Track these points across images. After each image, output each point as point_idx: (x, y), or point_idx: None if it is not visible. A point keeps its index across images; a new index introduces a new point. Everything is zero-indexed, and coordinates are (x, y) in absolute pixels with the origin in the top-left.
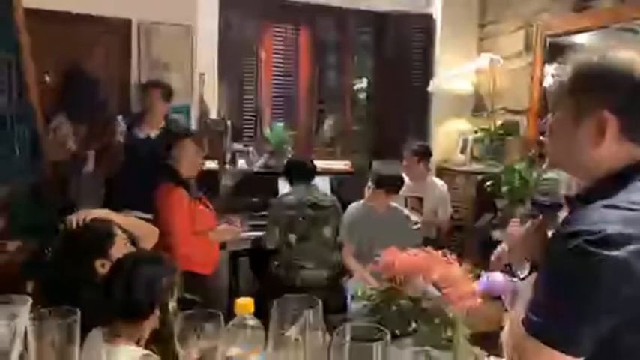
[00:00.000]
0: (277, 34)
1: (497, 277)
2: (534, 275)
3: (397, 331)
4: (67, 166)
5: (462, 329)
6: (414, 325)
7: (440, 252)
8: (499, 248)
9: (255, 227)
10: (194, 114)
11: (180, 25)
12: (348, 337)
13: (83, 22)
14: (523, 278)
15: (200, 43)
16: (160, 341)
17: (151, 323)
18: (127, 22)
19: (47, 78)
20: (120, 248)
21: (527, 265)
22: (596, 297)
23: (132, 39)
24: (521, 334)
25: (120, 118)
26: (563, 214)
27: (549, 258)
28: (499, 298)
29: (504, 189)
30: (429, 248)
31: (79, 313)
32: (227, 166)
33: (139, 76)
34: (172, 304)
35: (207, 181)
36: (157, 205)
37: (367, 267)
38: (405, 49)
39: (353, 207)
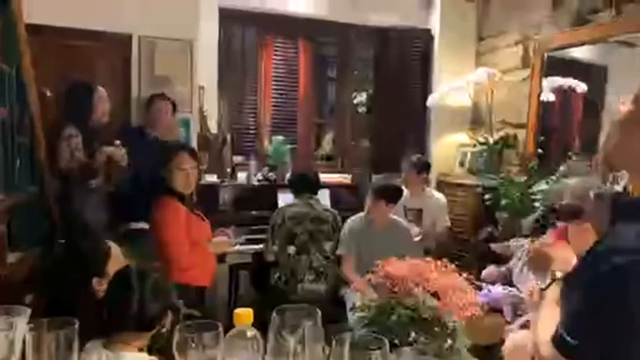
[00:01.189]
0: (277, 48)
1: (498, 289)
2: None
3: (397, 341)
4: (74, 177)
5: (462, 339)
6: (413, 334)
7: (440, 262)
8: (492, 267)
9: (254, 241)
10: (194, 127)
11: (181, 40)
12: (347, 346)
13: (84, 37)
14: (545, 288)
15: (200, 58)
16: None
17: (155, 333)
18: (128, 38)
19: (48, 93)
20: (114, 266)
21: (548, 276)
22: None
23: (132, 53)
24: (552, 354)
25: (118, 142)
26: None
27: (592, 274)
28: (500, 311)
29: (504, 202)
30: (429, 258)
31: (77, 323)
32: (227, 180)
33: (139, 91)
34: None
35: (207, 195)
36: (152, 217)
37: (366, 277)
38: (404, 64)
39: (353, 220)
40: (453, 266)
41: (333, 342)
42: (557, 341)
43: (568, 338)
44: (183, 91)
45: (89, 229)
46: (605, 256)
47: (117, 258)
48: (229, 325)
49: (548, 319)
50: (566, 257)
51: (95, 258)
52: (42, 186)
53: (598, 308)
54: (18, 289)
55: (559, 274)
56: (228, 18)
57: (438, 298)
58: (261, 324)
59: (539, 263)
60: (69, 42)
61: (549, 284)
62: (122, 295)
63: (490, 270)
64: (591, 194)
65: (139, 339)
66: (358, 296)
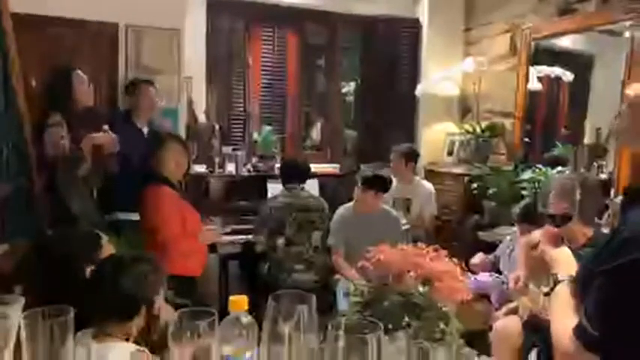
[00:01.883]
0: (265, 38)
1: (485, 276)
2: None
3: (390, 325)
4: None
5: (454, 323)
6: (406, 319)
7: (431, 248)
8: (480, 254)
9: (244, 231)
10: (182, 118)
11: (168, 29)
12: (341, 331)
13: (70, 26)
14: (547, 293)
15: (188, 47)
16: (149, 341)
17: (139, 322)
18: (114, 27)
19: (33, 82)
20: (106, 254)
21: (550, 278)
22: None
23: (119, 43)
24: (573, 347)
25: (107, 127)
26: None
27: (612, 265)
28: (487, 297)
29: (491, 190)
30: (420, 244)
31: (72, 311)
32: (216, 170)
33: (125, 80)
34: (159, 303)
35: (196, 185)
36: (145, 206)
37: (356, 264)
38: (392, 53)
39: (342, 209)
40: (445, 252)
41: (329, 326)
42: (579, 333)
43: (590, 330)
44: (171, 81)
45: (77, 218)
46: (624, 245)
47: (109, 248)
48: (221, 314)
49: (564, 316)
50: (566, 260)
51: (85, 248)
52: (30, 176)
53: (619, 299)
54: (7, 281)
55: (561, 277)
56: (215, 7)
57: (430, 284)
58: (250, 314)
59: (540, 269)
60: (55, 31)
61: (552, 287)
62: (102, 283)
63: (479, 257)
64: (577, 192)
65: (124, 329)
66: (349, 285)
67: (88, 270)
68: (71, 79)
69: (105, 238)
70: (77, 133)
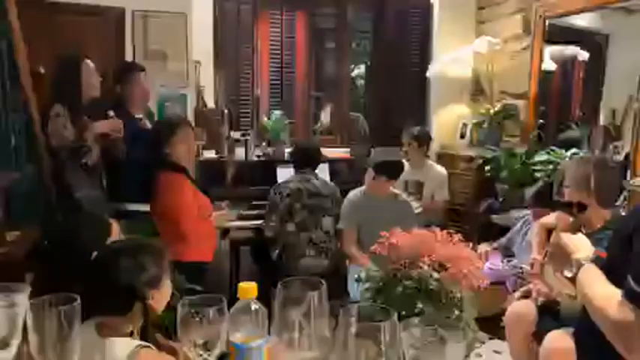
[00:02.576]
0: (273, 21)
1: (499, 264)
2: None
3: (403, 312)
4: (65, 155)
5: (469, 309)
6: (420, 306)
7: (445, 232)
8: (484, 245)
9: (254, 217)
10: (191, 103)
11: (175, 14)
12: (354, 318)
13: (77, 12)
14: (572, 278)
15: (195, 32)
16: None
17: (139, 316)
18: (121, 11)
19: (42, 70)
20: (114, 238)
21: (574, 263)
22: None
23: (126, 28)
24: (627, 311)
25: (112, 113)
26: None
27: None
28: (502, 282)
29: (504, 173)
30: (433, 228)
31: (79, 300)
32: (225, 156)
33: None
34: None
35: (205, 171)
36: (159, 193)
37: (369, 250)
38: (402, 34)
39: (353, 194)
40: (459, 236)
41: (340, 313)
42: (631, 295)
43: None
44: (179, 66)
45: (84, 207)
46: None
47: (116, 234)
48: (231, 301)
49: (603, 289)
50: (585, 244)
51: (94, 235)
52: (39, 164)
53: None
54: (18, 268)
55: (583, 261)
56: None
57: (445, 269)
58: (261, 299)
59: (561, 257)
60: (61, 18)
61: (576, 272)
62: (98, 272)
63: (484, 247)
64: (593, 178)
65: (125, 321)
66: (361, 270)
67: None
68: (79, 70)
69: (115, 226)
70: (83, 122)
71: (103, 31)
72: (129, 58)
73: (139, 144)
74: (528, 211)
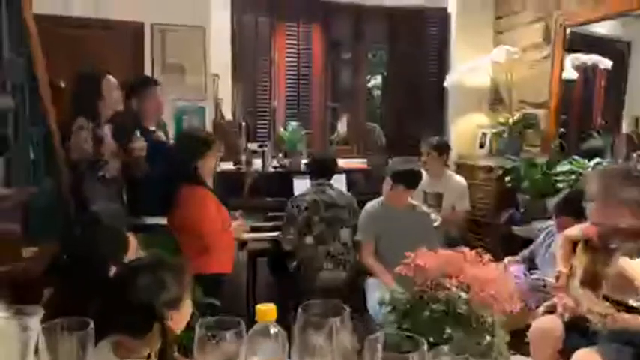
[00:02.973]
0: (290, 33)
1: (522, 278)
2: None
3: (431, 338)
4: (84, 168)
5: (500, 334)
6: (448, 331)
7: (474, 251)
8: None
9: (271, 228)
10: (209, 115)
11: (193, 27)
12: (380, 347)
13: (96, 26)
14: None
15: (213, 45)
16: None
17: (157, 337)
18: (140, 25)
19: (62, 84)
20: (132, 255)
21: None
22: None
23: (145, 42)
24: None
25: (138, 133)
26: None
27: None
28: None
29: (525, 183)
30: (462, 248)
31: (92, 324)
32: (242, 167)
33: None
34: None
35: (223, 183)
36: (182, 206)
37: (393, 271)
38: (419, 44)
39: (371, 205)
40: (488, 256)
41: (366, 343)
42: None
43: None
44: (197, 79)
45: (102, 220)
46: None
47: (135, 250)
48: (248, 314)
49: None
50: None
51: (111, 249)
52: (58, 178)
53: None
54: (36, 284)
55: None
56: (240, 4)
57: (474, 292)
58: (280, 313)
59: (622, 283)
60: (81, 32)
61: None
62: (116, 290)
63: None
64: (622, 191)
65: (143, 343)
66: (379, 285)
67: (113, 270)
68: (101, 85)
69: (133, 241)
70: (101, 136)
71: (121, 44)
72: (147, 71)
73: (157, 157)
74: (551, 223)
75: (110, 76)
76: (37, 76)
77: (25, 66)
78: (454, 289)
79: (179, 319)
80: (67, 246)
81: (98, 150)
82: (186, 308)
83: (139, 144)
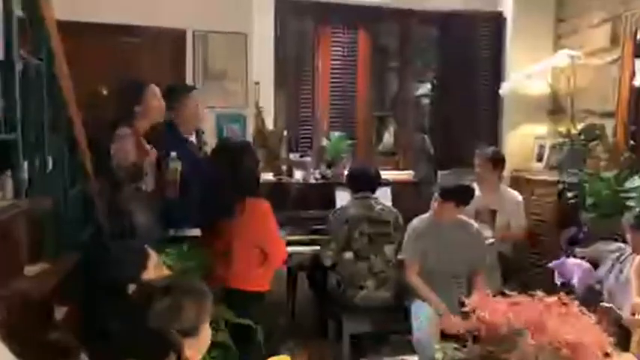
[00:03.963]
0: (335, 39)
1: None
2: None
3: None
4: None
5: None
6: None
7: (556, 298)
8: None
9: (311, 242)
10: (250, 124)
11: (236, 34)
12: None
13: (139, 34)
14: None
15: (256, 52)
16: None
17: None
18: (182, 32)
19: (104, 91)
20: (150, 273)
21: None
22: None
23: (186, 49)
24: None
25: (174, 154)
26: None
27: None
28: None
29: (590, 200)
30: (540, 294)
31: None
32: (283, 178)
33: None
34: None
35: (263, 194)
36: (246, 219)
37: (451, 320)
38: (472, 50)
39: (417, 221)
40: (576, 304)
41: None
42: None
43: None
44: (239, 86)
45: (136, 232)
46: None
47: (157, 267)
48: (286, 329)
49: None
50: None
51: (127, 265)
52: (84, 187)
53: None
54: (43, 304)
55: None
56: (284, 9)
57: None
58: (320, 329)
59: None
60: (123, 39)
61: None
62: (127, 317)
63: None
64: None
65: None
66: (425, 307)
67: (130, 288)
68: (141, 93)
69: (154, 257)
70: (143, 146)
71: (163, 52)
72: (189, 79)
73: (196, 168)
74: (621, 244)
75: (153, 85)
76: (59, 81)
77: (45, 70)
78: (530, 349)
79: (197, 346)
80: (83, 260)
81: (141, 161)
82: (205, 335)
83: (173, 165)
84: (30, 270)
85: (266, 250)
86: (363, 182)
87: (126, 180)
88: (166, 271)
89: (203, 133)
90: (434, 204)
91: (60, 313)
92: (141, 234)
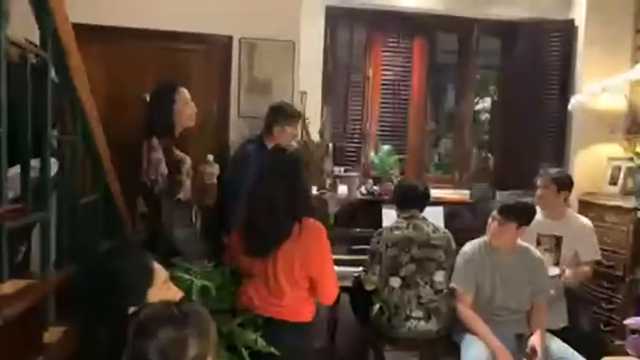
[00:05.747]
0: (388, 48)
1: None
2: None
3: None
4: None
5: None
6: None
7: None
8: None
9: (354, 262)
10: None
11: (283, 41)
12: None
13: (185, 40)
14: None
15: (303, 60)
16: None
17: None
18: (228, 40)
19: (147, 97)
20: (155, 294)
21: None
22: None
23: (232, 56)
24: None
25: (211, 157)
26: None
27: None
28: None
29: None
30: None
31: None
32: (327, 192)
33: (238, 95)
34: None
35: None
36: (303, 241)
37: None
38: (538, 62)
39: (470, 246)
40: None
41: None
42: None
43: None
44: (285, 96)
45: (175, 245)
46: None
47: (164, 283)
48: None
49: None
50: None
51: (129, 282)
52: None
53: None
54: (29, 327)
55: None
56: (335, 17)
57: None
58: (361, 357)
59: None
60: (170, 45)
61: None
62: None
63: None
64: None
65: None
66: (477, 344)
67: (132, 311)
68: (172, 96)
69: (161, 272)
70: (177, 156)
71: (209, 59)
72: (234, 86)
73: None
74: None
75: (183, 89)
76: (74, 83)
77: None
78: None
79: None
80: (77, 277)
81: (177, 170)
82: None
83: (211, 169)
84: (6, 287)
85: (318, 282)
86: (410, 199)
87: (162, 193)
88: (175, 289)
89: None
90: (491, 225)
91: (56, 333)
92: (181, 245)
